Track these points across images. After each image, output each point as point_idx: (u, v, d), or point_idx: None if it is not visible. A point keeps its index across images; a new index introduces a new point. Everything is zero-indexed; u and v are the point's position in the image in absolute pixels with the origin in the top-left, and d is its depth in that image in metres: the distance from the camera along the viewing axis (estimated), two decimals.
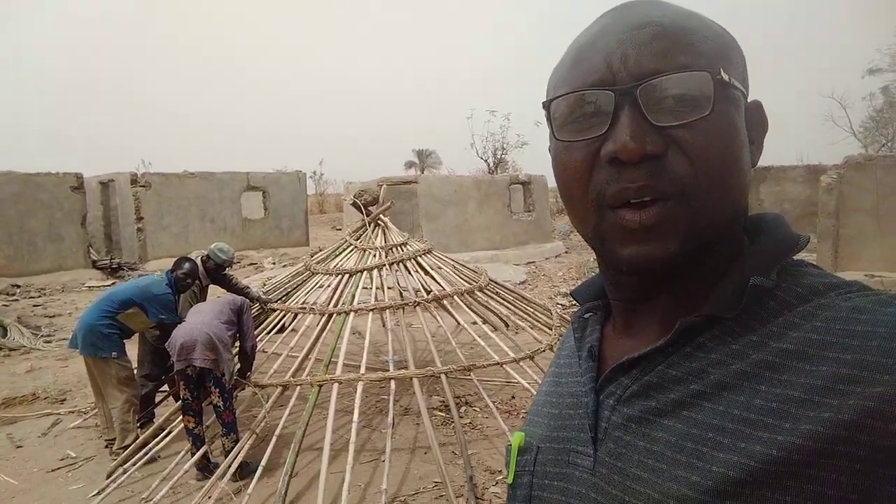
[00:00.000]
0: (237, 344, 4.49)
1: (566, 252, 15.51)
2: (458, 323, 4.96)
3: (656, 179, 0.54)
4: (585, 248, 16.18)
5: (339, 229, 23.98)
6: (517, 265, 13.09)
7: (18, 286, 12.35)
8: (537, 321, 5.32)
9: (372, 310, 4.68)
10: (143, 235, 15.04)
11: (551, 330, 5.15)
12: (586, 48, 0.60)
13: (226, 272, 5.22)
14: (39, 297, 11.79)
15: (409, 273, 5.12)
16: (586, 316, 0.72)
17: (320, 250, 5.81)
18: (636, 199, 0.55)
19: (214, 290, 5.53)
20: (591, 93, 0.57)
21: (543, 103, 0.62)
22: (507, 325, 5.35)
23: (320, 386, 4.15)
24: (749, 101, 0.61)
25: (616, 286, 0.65)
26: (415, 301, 4.73)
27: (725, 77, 0.55)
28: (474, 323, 5.21)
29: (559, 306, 8.71)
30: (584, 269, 12.36)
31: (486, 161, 23.22)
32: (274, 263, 14.97)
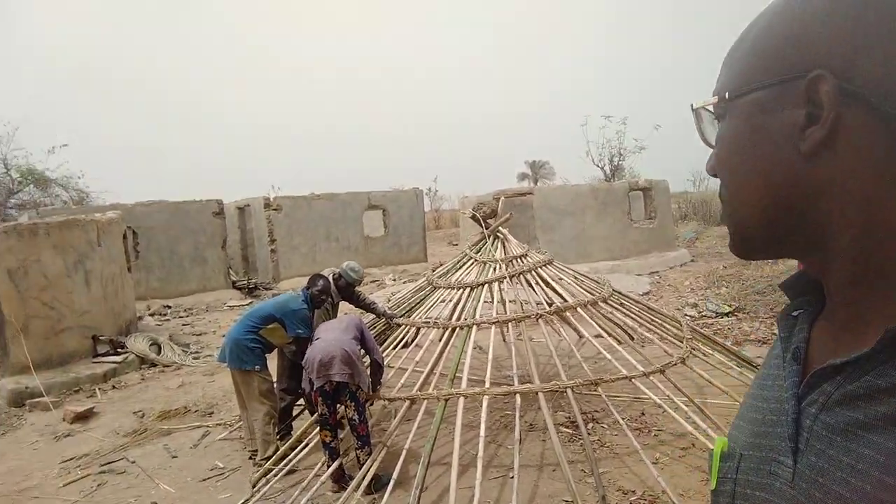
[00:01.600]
0: (366, 358, 4.66)
1: (692, 260, 14.72)
2: (581, 336, 4.84)
3: (723, 188, 0.65)
4: (713, 256, 15.27)
5: (456, 244, 24.31)
6: (639, 275, 12.59)
7: (169, 307, 13.61)
8: (666, 333, 5.07)
9: (494, 323, 4.68)
10: (276, 256, 16.07)
11: (682, 342, 4.88)
12: None
13: (355, 289, 5.44)
14: (187, 316, 12.91)
15: (531, 285, 5.07)
16: (795, 314, 0.67)
17: (441, 265, 5.91)
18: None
19: (344, 307, 5.78)
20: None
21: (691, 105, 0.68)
22: (632, 338, 5.15)
23: (446, 400, 4.20)
24: None
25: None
26: (537, 314, 4.67)
27: None
28: (598, 336, 5.06)
29: (688, 317, 8.26)
30: (714, 277, 11.66)
31: (602, 168, 22.66)
32: (394, 280, 15.42)
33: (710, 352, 5.10)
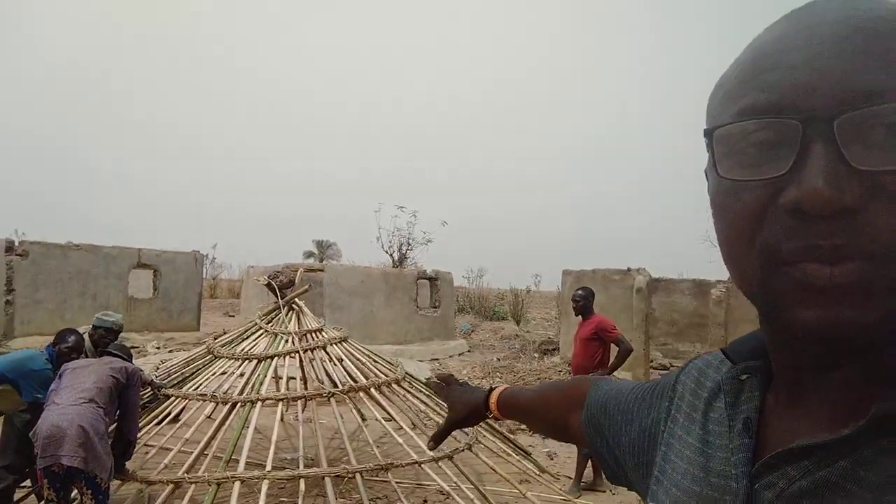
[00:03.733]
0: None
1: (469, 351, 15.47)
2: (365, 419, 4.66)
3: (855, 236, 0.42)
4: (487, 348, 16.24)
5: (233, 316, 22.79)
6: (421, 361, 12.84)
7: None
8: None
9: (282, 399, 4.32)
10: (11, 309, 13.52)
11: (468, 429, 4.95)
12: (763, 59, 0.47)
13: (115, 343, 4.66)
14: None
15: (323, 362, 4.83)
16: (743, 378, 0.59)
17: (223, 333, 5.39)
18: (827, 259, 0.43)
19: None
20: (771, 121, 0.45)
21: (705, 130, 0.51)
22: (422, 423, 5.08)
23: (219, 484, 3.69)
24: None
25: (787, 351, 0.53)
26: (329, 392, 4.42)
27: None
28: (388, 419, 4.92)
29: None
30: (489, 367, 12.31)
31: (390, 255, 23.27)
32: (159, 348, 13.85)
33: (493, 439, 5.24)
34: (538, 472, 5.20)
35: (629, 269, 11.05)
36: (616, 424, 0.78)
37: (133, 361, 4.43)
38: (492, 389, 1.14)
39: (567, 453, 6.66)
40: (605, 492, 5.49)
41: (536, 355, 13.63)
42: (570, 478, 5.67)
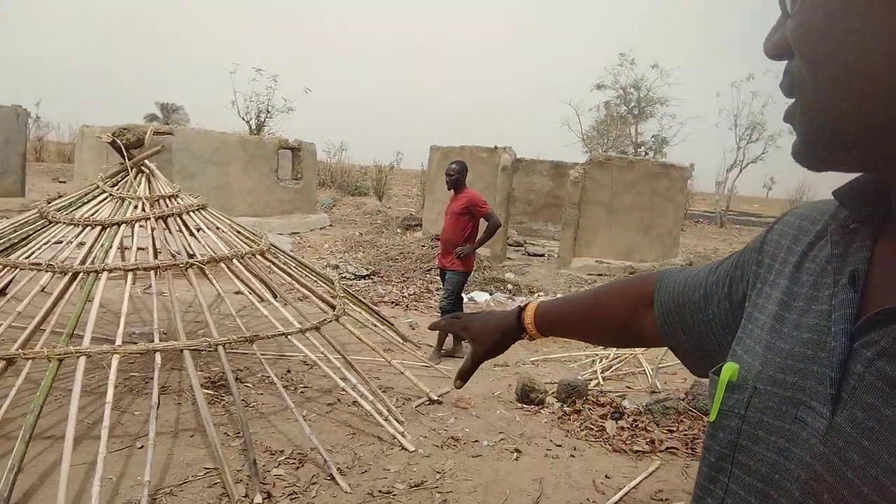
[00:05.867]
0: None
1: (331, 225, 15.26)
2: (227, 292, 4.44)
3: None
4: (349, 223, 16.11)
5: (64, 181, 20.55)
6: (281, 234, 12.47)
7: None
8: (318, 292, 5.03)
9: (132, 270, 3.96)
10: None
11: (335, 300, 4.91)
12: None
13: None
14: None
15: (180, 230, 4.46)
16: (853, 226, 0.53)
17: (59, 197, 4.76)
18: None
19: None
20: None
21: None
22: (275, 296, 4.92)
23: (60, 360, 3.37)
24: None
25: None
26: (187, 263, 4.11)
27: None
28: (239, 292, 4.73)
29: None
30: (351, 242, 12.27)
31: (248, 123, 21.68)
32: None
33: (358, 310, 5.27)
34: (402, 341, 5.37)
35: (496, 147, 11.20)
36: (698, 310, 0.72)
37: None
38: (522, 308, 1.03)
39: (427, 324, 6.92)
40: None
41: (399, 231, 13.76)
42: (430, 346, 5.92)
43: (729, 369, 0.55)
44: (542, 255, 12.01)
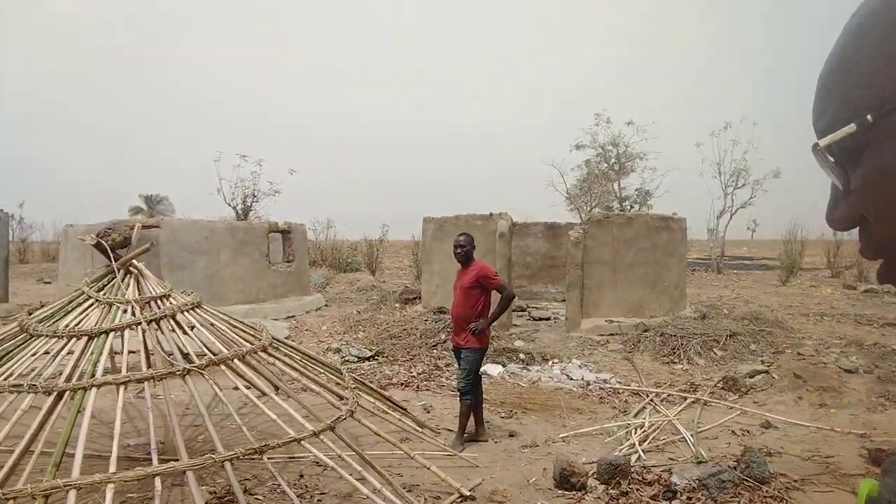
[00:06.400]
0: None
1: (326, 305, 14.88)
2: (226, 388, 4.05)
3: None
4: (345, 301, 15.72)
5: (49, 282, 20.17)
6: (276, 319, 12.08)
7: None
8: (329, 385, 4.64)
9: (124, 382, 3.58)
10: None
11: (346, 392, 4.52)
12: None
13: None
14: None
15: (174, 332, 4.10)
16: None
17: (42, 306, 4.41)
18: None
19: None
20: None
21: None
22: (277, 391, 4.52)
23: (47, 497, 2.95)
24: None
25: None
26: (185, 367, 3.74)
27: None
28: (248, 387, 4.33)
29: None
30: (350, 321, 11.87)
31: (234, 208, 21.58)
32: None
33: (368, 398, 4.87)
34: (418, 428, 4.95)
35: (491, 214, 11.03)
36: None
37: None
38: None
39: (442, 405, 6.50)
40: (487, 441, 5.39)
41: (398, 305, 13.40)
42: (450, 430, 5.50)
43: (866, 486, 0.61)
44: (548, 319, 11.65)
